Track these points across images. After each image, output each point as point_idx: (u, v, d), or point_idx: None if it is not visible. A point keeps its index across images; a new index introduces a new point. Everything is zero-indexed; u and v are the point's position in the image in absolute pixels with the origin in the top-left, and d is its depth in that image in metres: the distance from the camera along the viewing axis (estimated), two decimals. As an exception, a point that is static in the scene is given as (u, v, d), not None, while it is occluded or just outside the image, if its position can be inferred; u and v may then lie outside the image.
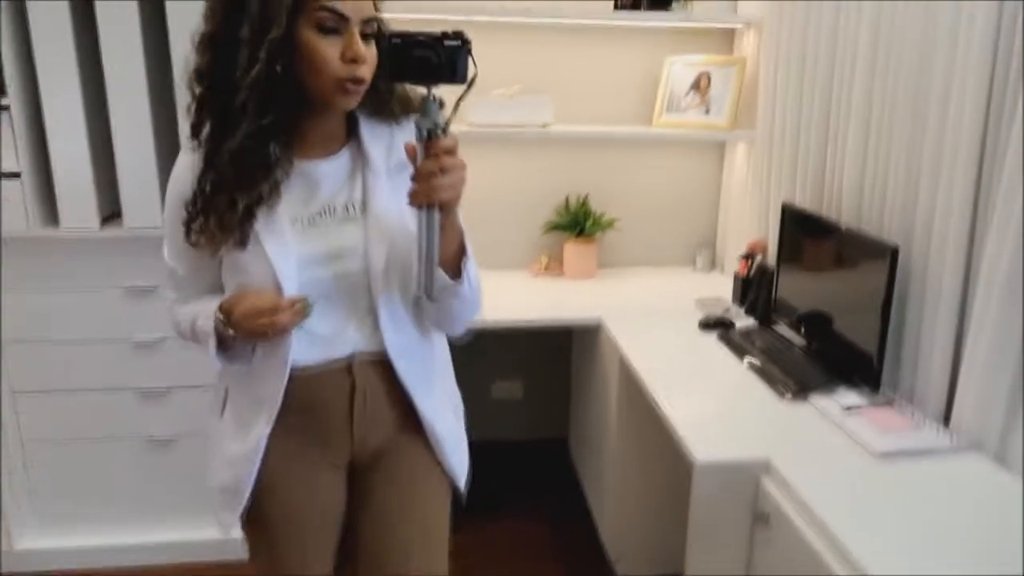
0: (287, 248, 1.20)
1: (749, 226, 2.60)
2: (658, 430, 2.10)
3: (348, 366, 1.27)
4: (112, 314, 2.23)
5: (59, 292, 2.20)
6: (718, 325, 2.28)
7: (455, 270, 1.23)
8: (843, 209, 2.05)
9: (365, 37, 1.15)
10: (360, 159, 1.27)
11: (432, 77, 1.08)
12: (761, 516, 1.52)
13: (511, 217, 2.83)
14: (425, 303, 1.25)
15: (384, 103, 1.26)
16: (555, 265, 2.82)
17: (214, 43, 1.13)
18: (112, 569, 2.39)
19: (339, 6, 1.11)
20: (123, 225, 2.13)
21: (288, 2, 1.08)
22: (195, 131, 1.18)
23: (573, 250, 2.77)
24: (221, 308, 1.22)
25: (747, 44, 2.67)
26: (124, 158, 2.08)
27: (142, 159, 2.09)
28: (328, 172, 1.25)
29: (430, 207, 1.12)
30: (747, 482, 1.56)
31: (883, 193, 1.89)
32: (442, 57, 1.07)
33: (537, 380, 3.09)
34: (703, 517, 1.59)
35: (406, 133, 1.22)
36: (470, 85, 1.09)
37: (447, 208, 1.14)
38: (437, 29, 1.08)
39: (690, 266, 2.96)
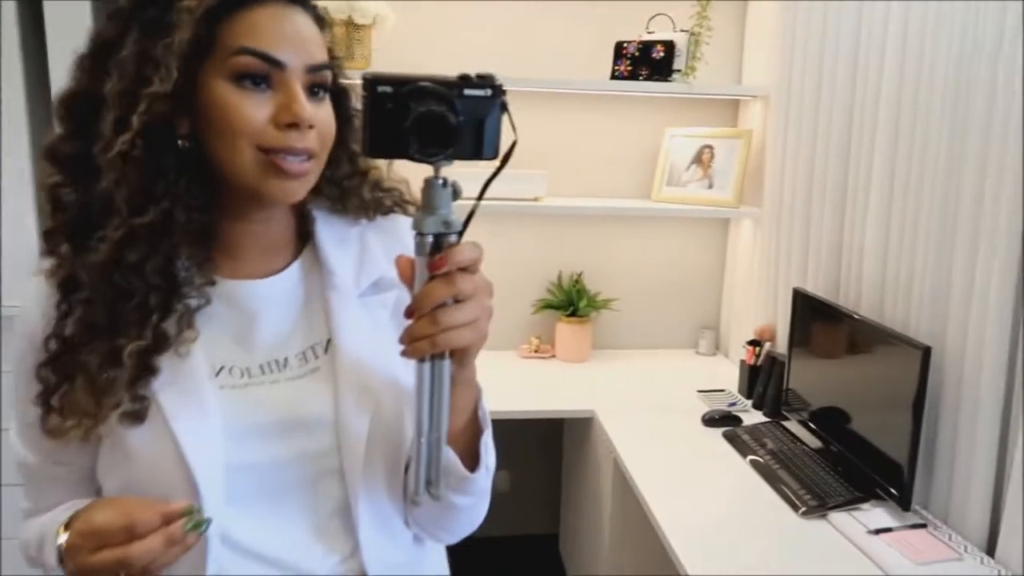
0: (206, 417, 0.78)
1: (756, 310, 2.40)
2: (655, 539, 1.86)
3: None
4: None
5: None
6: (724, 421, 2.06)
7: (471, 453, 0.82)
8: (863, 299, 1.85)
9: (313, 91, 0.78)
10: (318, 277, 0.88)
11: (445, 148, 0.66)
12: (777, 668, 1.28)
13: (499, 294, 2.56)
14: (424, 504, 0.78)
15: (350, 192, 0.89)
16: (546, 346, 2.61)
17: (71, 105, 0.77)
18: None
19: (268, 48, 0.74)
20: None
21: (182, 42, 0.72)
22: (49, 243, 0.78)
23: (566, 331, 2.56)
24: (68, 526, 0.78)
25: (753, 115, 2.52)
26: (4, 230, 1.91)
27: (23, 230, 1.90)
28: (271, 297, 0.85)
29: (436, 358, 0.70)
30: (760, 623, 1.32)
31: (909, 284, 1.69)
32: (462, 115, 0.66)
33: (525, 472, 2.84)
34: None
35: (385, 235, 0.91)
36: (505, 160, 0.69)
37: (462, 358, 0.73)
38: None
39: (692, 349, 2.75)
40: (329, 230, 0.88)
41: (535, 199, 2.41)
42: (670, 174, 2.57)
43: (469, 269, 0.69)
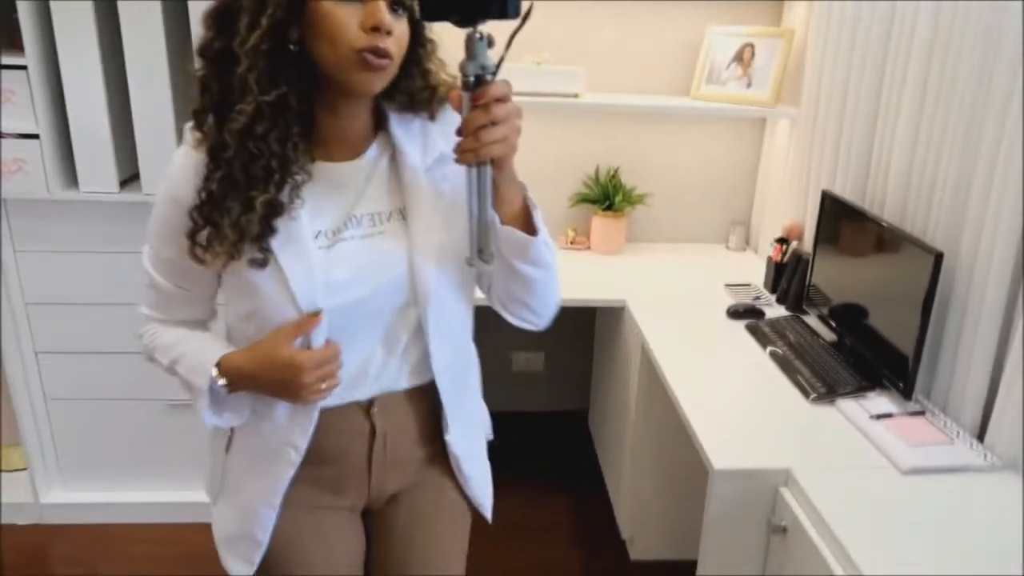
0: (310, 268, 1.04)
1: (786, 208, 2.50)
2: (677, 420, 2.06)
3: (367, 409, 1.15)
4: (131, 279, 2.21)
5: (79, 255, 2.19)
6: (747, 314, 2.21)
7: (528, 230, 1.06)
8: (887, 203, 1.94)
9: (393, 8, 0.99)
10: (390, 159, 1.12)
11: (478, 11, 0.87)
12: (778, 528, 1.48)
13: (537, 188, 2.68)
14: (504, 282, 1.11)
15: (417, 92, 1.10)
16: (582, 239, 2.74)
17: (217, 14, 1.00)
18: (134, 524, 2.43)
19: None
20: (141, 189, 2.10)
21: None
22: (198, 119, 1.02)
23: (601, 224, 2.69)
24: (222, 367, 1.07)
25: (795, 15, 2.52)
26: (142, 120, 2.04)
27: (160, 121, 2.04)
28: (355, 176, 1.10)
29: (480, 164, 0.95)
30: (765, 491, 1.51)
31: (931, 191, 1.78)
32: None
33: (559, 353, 3.04)
34: (719, 523, 1.55)
35: (441, 123, 1.12)
36: (525, 19, 0.88)
37: (500, 164, 0.97)
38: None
39: (722, 244, 2.87)
40: (399, 121, 1.13)
41: (574, 95, 2.48)
42: (710, 72, 2.61)
43: (502, 100, 0.92)
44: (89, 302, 2.24)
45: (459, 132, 0.94)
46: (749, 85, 2.55)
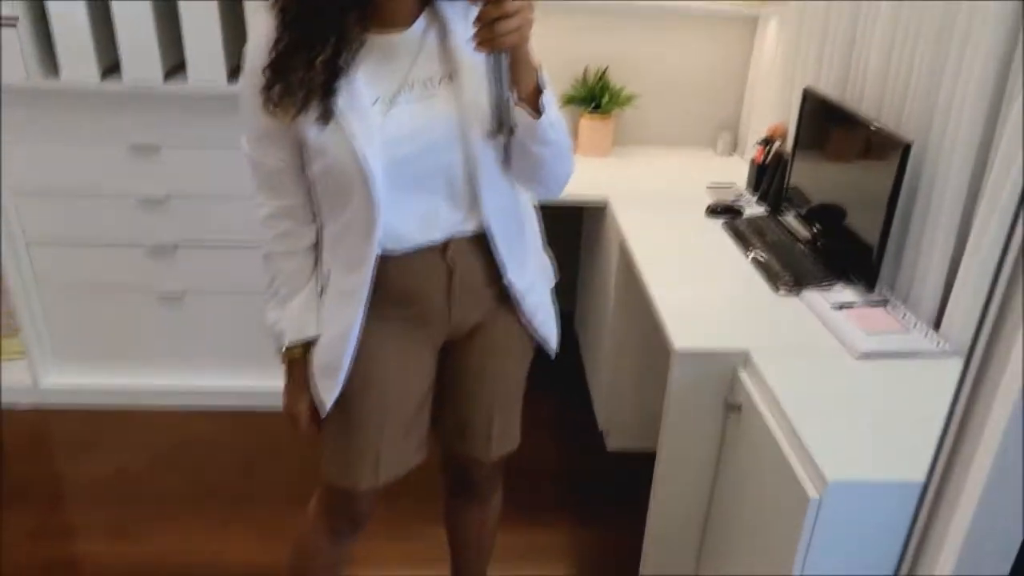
0: (370, 128, 1.15)
1: (772, 111, 2.49)
2: (651, 314, 2.11)
3: (443, 250, 1.26)
4: (118, 170, 2.25)
5: (64, 145, 2.21)
6: (726, 212, 2.23)
7: (537, 111, 1.17)
8: (864, 98, 1.94)
9: None
10: (436, 30, 1.20)
11: None
12: (733, 406, 1.55)
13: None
14: (515, 156, 1.22)
15: None
16: (569, 140, 2.74)
17: None
18: (129, 409, 2.54)
19: None
20: (122, 79, 2.10)
21: None
22: None
23: (588, 126, 2.69)
24: (285, 351, 1.34)
25: (791, -93, 2.45)
26: (122, 9, 2.02)
27: (140, 10, 2.03)
28: (406, 46, 1.18)
29: (496, 51, 1.08)
30: (724, 372, 1.57)
31: (906, 85, 1.78)
32: None
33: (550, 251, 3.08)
34: (678, 403, 1.62)
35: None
36: None
37: (515, 52, 1.10)
38: None
39: (710, 148, 2.86)
40: None
41: (563, -9, 2.44)
42: (701, -32, 2.55)
43: None
44: (78, 194, 2.27)
45: (476, 23, 1.06)
46: (740, -18, 2.50)
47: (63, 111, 2.16)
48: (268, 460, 2.35)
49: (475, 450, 1.46)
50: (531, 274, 1.39)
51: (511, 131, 1.16)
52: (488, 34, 1.05)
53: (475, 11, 1.08)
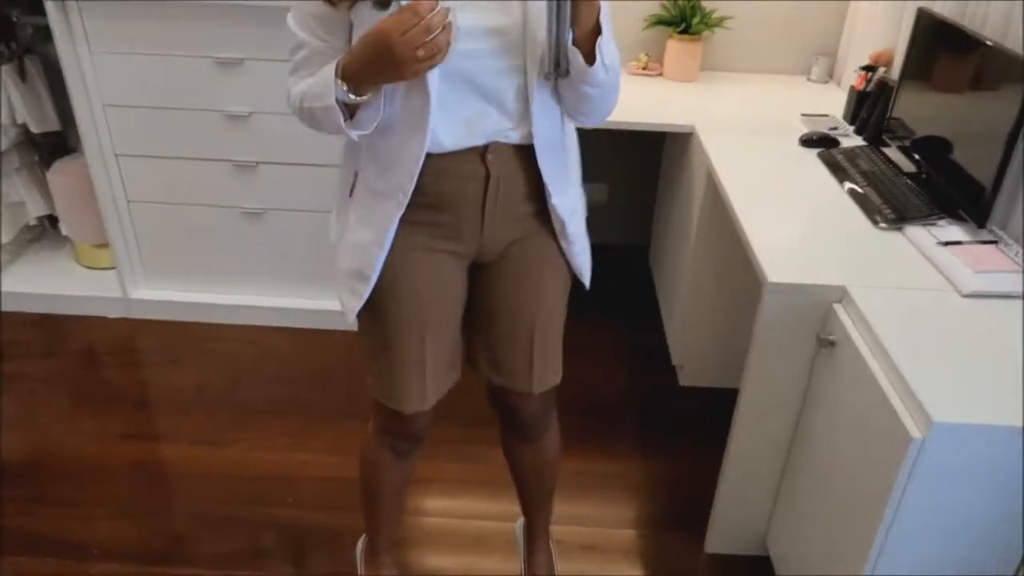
0: None
1: (876, 36, 2.33)
2: (736, 247, 2.03)
3: (483, 154, 1.22)
4: (203, 85, 2.25)
5: (153, 57, 2.22)
6: (821, 143, 2.12)
7: (589, 53, 1.13)
8: (988, 20, 1.79)
9: None
10: None
11: None
12: (826, 342, 1.48)
13: (610, 9, 2.62)
14: (562, 88, 1.19)
15: None
16: (655, 64, 2.63)
17: None
18: (212, 323, 2.61)
19: None
20: (209, -9, 2.09)
21: None
22: None
23: (676, 48, 2.57)
24: (343, 74, 1.11)
25: None
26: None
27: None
28: None
29: None
30: (818, 307, 1.51)
31: (1040, 2, 1.62)
32: None
33: (624, 185, 3.01)
34: (767, 337, 1.56)
35: None
36: None
37: None
38: None
39: (804, 76, 2.71)
40: None
41: (658, -98, 2.30)
42: None
43: None
44: (163, 105, 2.29)
45: None
46: None
47: (150, 22, 2.16)
48: (341, 376, 2.40)
49: (515, 384, 1.40)
50: (572, 200, 1.34)
51: (566, 72, 1.13)
52: None
53: None
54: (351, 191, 1.30)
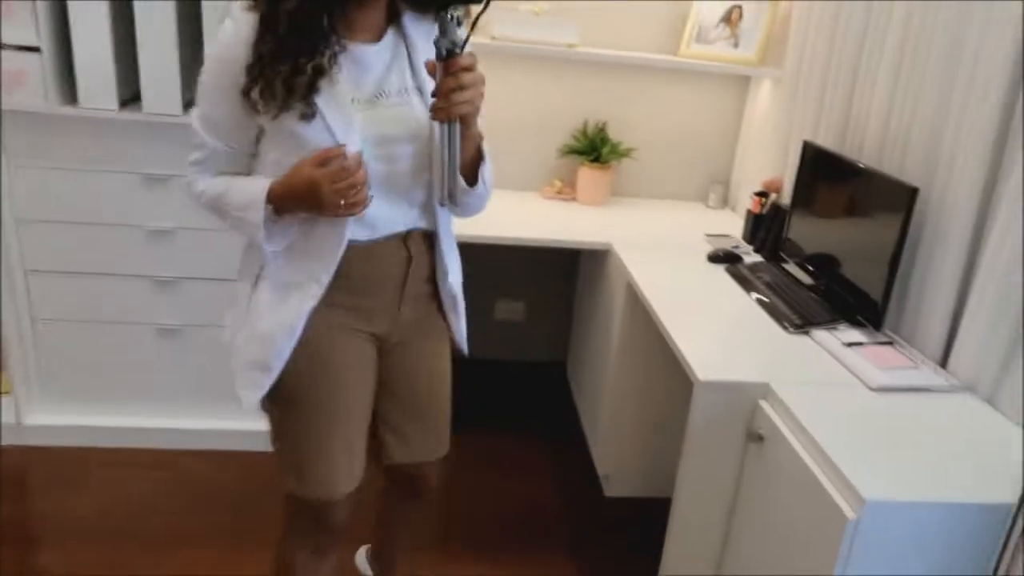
0: (350, 124, 1.23)
1: (766, 164, 2.60)
2: (659, 354, 2.15)
3: (404, 240, 1.35)
4: (128, 200, 2.24)
5: (76, 173, 2.20)
6: (727, 259, 2.30)
7: (472, 175, 1.32)
8: (864, 149, 2.05)
9: None
10: (402, 46, 1.30)
11: None
12: (755, 435, 1.57)
13: (527, 137, 2.82)
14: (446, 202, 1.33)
15: (428, 7, 1.30)
16: (568, 190, 2.82)
17: None
18: (117, 448, 2.45)
19: None
20: (142, 109, 2.12)
21: None
22: None
23: (587, 176, 2.77)
24: (271, 196, 1.23)
25: (783, -22, 2.61)
26: (146, 41, 2.06)
27: (164, 44, 2.06)
28: (376, 55, 1.27)
29: (451, 121, 1.20)
30: (745, 403, 1.60)
31: (908, 135, 1.88)
32: None
33: (540, 303, 3.12)
34: (700, 432, 1.64)
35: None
36: (486, 6, 1.18)
37: (466, 121, 1.22)
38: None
39: (702, 202, 2.96)
40: (411, 17, 1.32)
41: (569, 45, 2.55)
42: (699, 32, 2.69)
43: (469, 69, 1.16)
44: (83, 220, 2.25)
45: (433, 94, 1.18)
46: (736, 45, 2.64)
47: (74, 138, 2.16)
48: (264, 499, 2.28)
49: (426, 455, 1.52)
50: (457, 281, 1.49)
51: (454, 200, 1.29)
52: (445, 104, 1.17)
53: (435, 32, 1.17)
54: (254, 284, 1.35)
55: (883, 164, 1.97)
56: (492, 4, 1.21)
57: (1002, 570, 1.31)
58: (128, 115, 2.12)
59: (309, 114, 1.19)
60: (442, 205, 1.32)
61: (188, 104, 2.16)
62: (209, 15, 2.06)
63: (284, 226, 1.28)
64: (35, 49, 2.02)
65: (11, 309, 2.30)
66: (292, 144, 1.23)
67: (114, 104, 2.10)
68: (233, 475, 2.40)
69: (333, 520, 1.43)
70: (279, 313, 1.30)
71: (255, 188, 1.25)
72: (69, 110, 2.10)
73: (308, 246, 1.29)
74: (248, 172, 1.32)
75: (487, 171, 1.35)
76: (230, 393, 2.41)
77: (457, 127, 1.21)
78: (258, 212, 1.23)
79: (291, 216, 1.27)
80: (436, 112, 1.19)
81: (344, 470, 1.37)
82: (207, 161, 1.31)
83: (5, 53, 2.01)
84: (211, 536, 2.14)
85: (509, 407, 2.96)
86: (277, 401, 1.35)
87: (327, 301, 1.31)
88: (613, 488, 2.45)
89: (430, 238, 1.39)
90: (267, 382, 1.32)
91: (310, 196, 1.20)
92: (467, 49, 1.18)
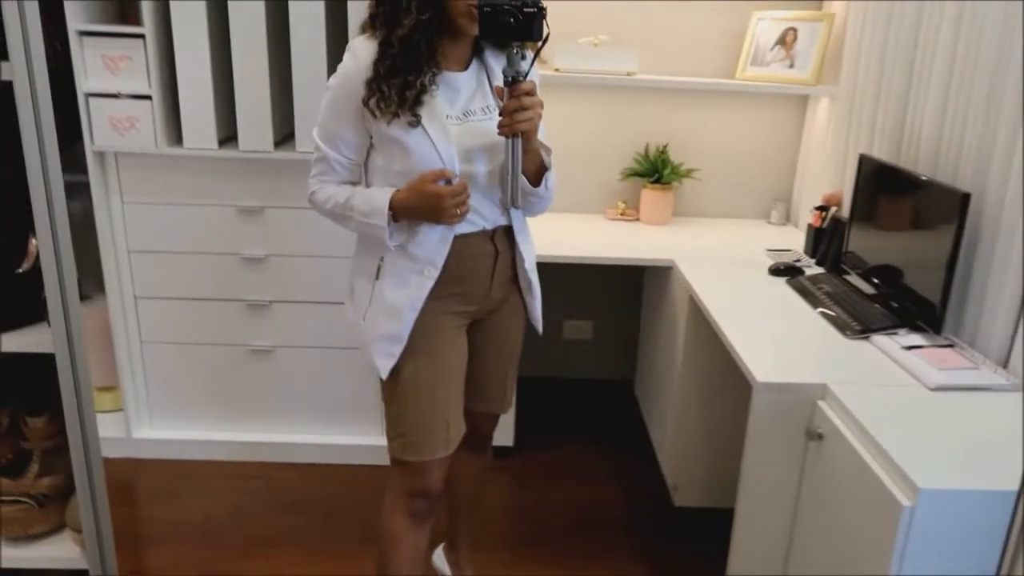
0: (448, 138, 1.49)
1: (825, 180, 2.65)
2: (723, 365, 2.22)
3: (492, 236, 1.60)
4: (225, 230, 2.46)
5: (178, 207, 2.43)
6: (788, 271, 2.36)
7: (536, 180, 1.58)
8: (919, 160, 2.10)
9: None
10: (483, 73, 1.58)
11: (514, 36, 1.40)
12: (814, 434, 1.63)
13: (591, 162, 2.95)
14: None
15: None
16: (631, 211, 2.92)
17: None
18: (213, 461, 2.65)
19: None
20: (238, 147, 2.34)
21: None
22: (372, 24, 1.49)
23: (650, 197, 2.87)
24: (392, 204, 1.50)
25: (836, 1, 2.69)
26: (242, 87, 2.28)
27: (258, 89, 2.28)
28: (463, 81, 1.54)
29: (514, 136, 1.45)
30: (803, 404, 1.67)
31: (960, 142, 1.93)
32: (521, 21, 1.38)
33: (607, 322, 3.22)
34: (760, 434, 1.70)
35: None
36: (543, 43, 1.42)
37: (527, 137, 1.47)
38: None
39: (764, 219, 3.02)
40: (490, 51, 1.59)
41: (628, 74, 2.67)
42: (755, 54, 2.78)
43: (529, 93, 1.43)
44: (184, 250, 2.48)
45: (500, 113, 1.44)
46: (792, 66, 2.72)
47: (178, 175, 2.39)
48: (350, 508, 2.44)
49: (491, 407, 1.82)
50: (532, 266, 1.73)
51: (518, 205, 1.55)
52: (509, 122, 1.43)
53: (504, 63, 1.43)
54: (377, 274, 1.59)
55: (937, 172, 2.01)
56: (553, 38, 1.45)
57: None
58: (225, 152, 2.35)
59: (415, 122, 1.46)
60: (510, 207, 1.56)
61: (279, 142, 2.38)
62: (299, 62, 2.27)
63: (401, 228, 1.54)
64: (146, 97, 2.26)
65: (122, 332, 2.54)
66: (397, 151, 1.50)
67: (214, 143, 2.33)
68: (321, 485, 2.56)
69: (429, 483, 1.65)
70: (403, 295, 1.56)
71: (379, 198, 1.51)
72: (174, 150, 2.34)
73: (420, 241, 1.54)
74: (359, 180, 1.61)
75: (550, 178, 1.60)
76: (317, 408, 2.61)
77: (519, 141, 1.46)
78: (382, 217, 1.50)
79: (406, 221, 1.53)
80: (501, 128, 1.45)
81: (442, 435, 1.61)
82: (327, 172, 1.59)
83: (119, 102, 2.26)
84: (301, 540, 2.30)
85: (578, 422, 3.05)
86: (391, 372, 1.59)
87: (434, 290, 1.55)
88: (681, 498, 2.50)
89: (510, 232, 1.64)
90: (398, 350, 1.57)
91: (432, 209, 1.48)
92: (530, 77, 1.43)
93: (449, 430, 1.62)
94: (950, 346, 1.83)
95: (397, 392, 1.60)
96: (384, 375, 1.59)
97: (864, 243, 2.24)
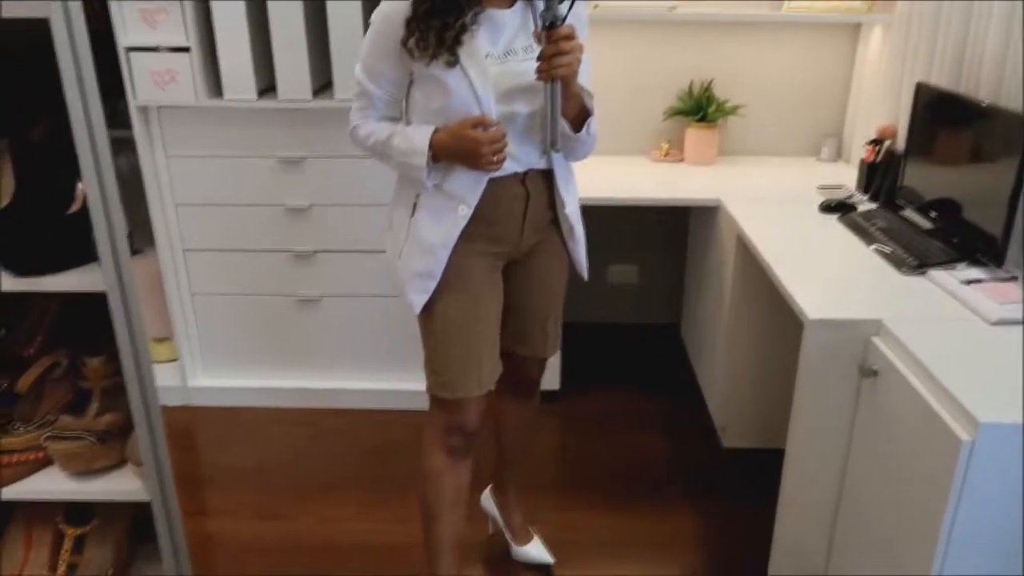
0: (486, 77, 1.46)
1: (880, 112, 2.55)
2: (772, 305, 2.18)
3: (523, 179, 1.57)
4: (266, 182, 2.47)
5: (222, 160, 2.45)
6: (840, 208, 2.29)
7: (577, 125, 1.54)
8: (981, 86, 1.99)
9: None
10: (528, 12, 1.52)
11: None
12: (869, 371, 1.59)
13: (633, 102, 2.88)
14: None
15: None
16: (675, 151, 2.85)
17: None
18: (264, 407, 2.72)
19: None
20: (277, 98, 2.33)
21: None
22: None
23: (694, 136, 2.79)
24: (432, 145, 1.49)
25: (892, -81, 2.54)
26: (279, 37, 2.27)
27: (294, 39, 2.26)
28: (508, 19, 1.49)
29: (552, 81, 1.41)
30: (856, 341, 1.62)
31: (1026, 65, 1.83)
32: None
33: (652, 265, 3.18)
34: (811, 372, 1.67)
35: None
36: None
37: (566, 81, 1.43)
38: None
39: (814, 156, 2.93)
40: None
41: (671, 8, 2.58)
42: (803, -18, 2.66)
43: (568, 38, 1.38)
44: (228, 202, 2.50)
45: (538, 58, 1.40)
46: (843, -8, 2.59)
47: (219, 127, 2.40)
48: (401, 452, 2.48)
49: (535, 352, 1.80)
50: (575, 209, 1.69)
51: (557, 148, 1.51)
52: (547, 67, 1.39)
53: (542, 6, 1.37)
54: (413, 211, 1.59)
55: (1001, 98, 1.91)
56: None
57: None
58: (265, 103, 2.35)
59: (453, 61, 1.43)
60: (547, 151, 1.52)
61: (317, 91, 2.36)
62: (335, 9, 2.24)
63: (438, 168, 1.54)
64: (185, 49, 2.26)
65: (173, 285, 2.60)
66: (436, 88, 1.48)
67: (253, 94, 2.33)
68: (368, 430, 2.61)
69: (465, 420, 1.65)
70: (437, 232, 1.56)
71: (418, 137, 1.50)
72: (215, 102, 2.34)
73: (455, 179, 1.54)
74: (399, 115, 1.60)
75: (592, 124, 1.56)
76: (364, 356, 2.64)
77: (559, 86, 1.42)
78: (421, 157, 1.49)
79: (444, 162, 1.53)
80: (539, 73, 1.41)
81: (475, 374, 1.60)
82: (368, 108, 1.58)
83: (158, 55, 2.27)
84: (351, 484, 2.35)
85: (625, 367, 3.04)
86: (426, 309, 1.60)
87: (465, 231, 1.55)
88: (731, 439, 2.49)
89: (547, 176, 1.60)
90: (432, 286, 1.57)
91: (469, 155, 1.47)
92: (578, 15, 1.40)
93: (482, 368, 1.62)
94: (1013, 279, 1.76)
95: (431, 329, 1.61)
96: (417, 311, 1.60)
97: (921, 176, 2.16)
